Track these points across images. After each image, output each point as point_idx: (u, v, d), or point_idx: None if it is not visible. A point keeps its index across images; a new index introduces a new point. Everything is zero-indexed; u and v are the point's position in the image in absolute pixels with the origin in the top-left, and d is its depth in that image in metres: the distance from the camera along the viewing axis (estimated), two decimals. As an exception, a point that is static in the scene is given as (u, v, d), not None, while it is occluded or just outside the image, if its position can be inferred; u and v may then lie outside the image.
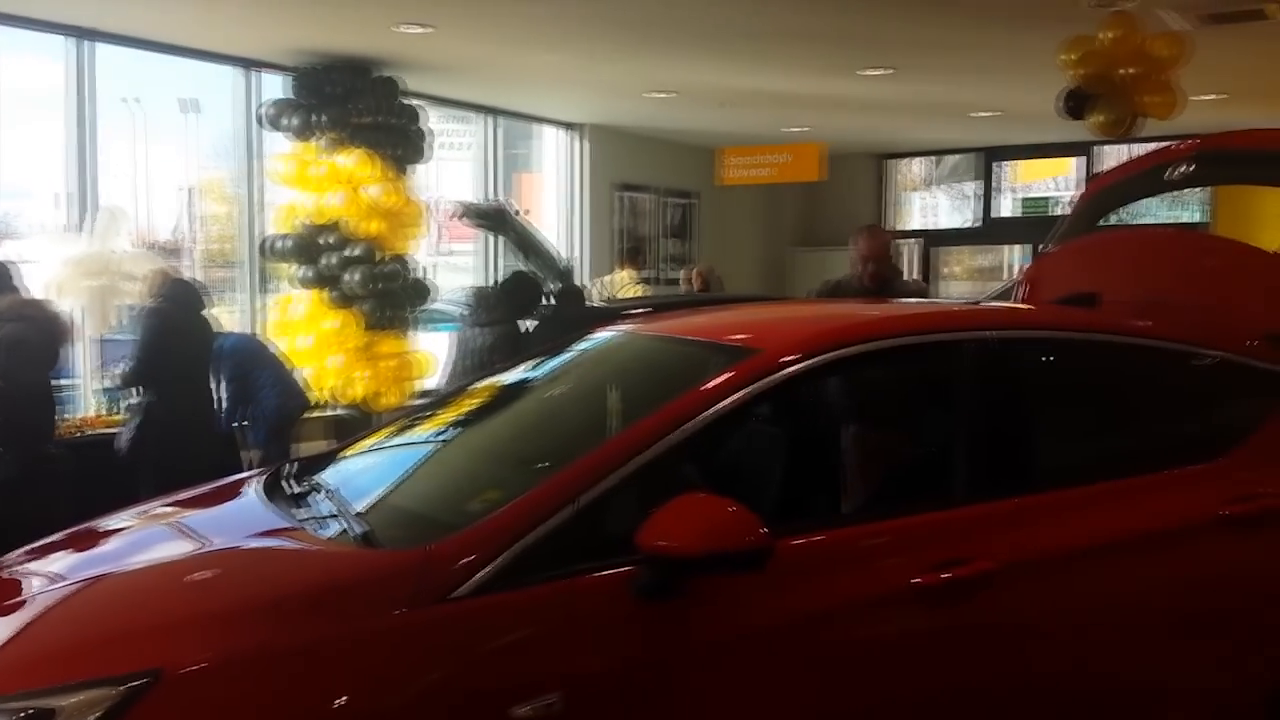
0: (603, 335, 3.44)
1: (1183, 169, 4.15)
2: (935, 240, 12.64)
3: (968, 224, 12.43)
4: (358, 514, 2.61)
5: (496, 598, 2.27)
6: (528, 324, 5.77)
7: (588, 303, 6.14)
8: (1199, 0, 6.02)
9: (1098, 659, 2.77)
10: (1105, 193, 4.49)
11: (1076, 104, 6.43)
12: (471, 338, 5.76)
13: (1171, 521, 2.88)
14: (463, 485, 2.85)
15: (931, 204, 12.84)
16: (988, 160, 12.17)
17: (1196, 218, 10.73)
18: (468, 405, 3.38)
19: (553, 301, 5.94)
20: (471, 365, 5.73)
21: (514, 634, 2.28)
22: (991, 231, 12.29)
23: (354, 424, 8.17)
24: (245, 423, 6.30)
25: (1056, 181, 12.27)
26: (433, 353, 8.48)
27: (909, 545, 2.60)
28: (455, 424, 3.29)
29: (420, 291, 8.35)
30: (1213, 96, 8.15)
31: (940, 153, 12.53)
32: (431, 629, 2.23)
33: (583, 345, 3.44)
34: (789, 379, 2.65)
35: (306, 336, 7.87)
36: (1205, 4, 6.05)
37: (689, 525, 2.29)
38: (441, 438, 3.24)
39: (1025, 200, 12.27)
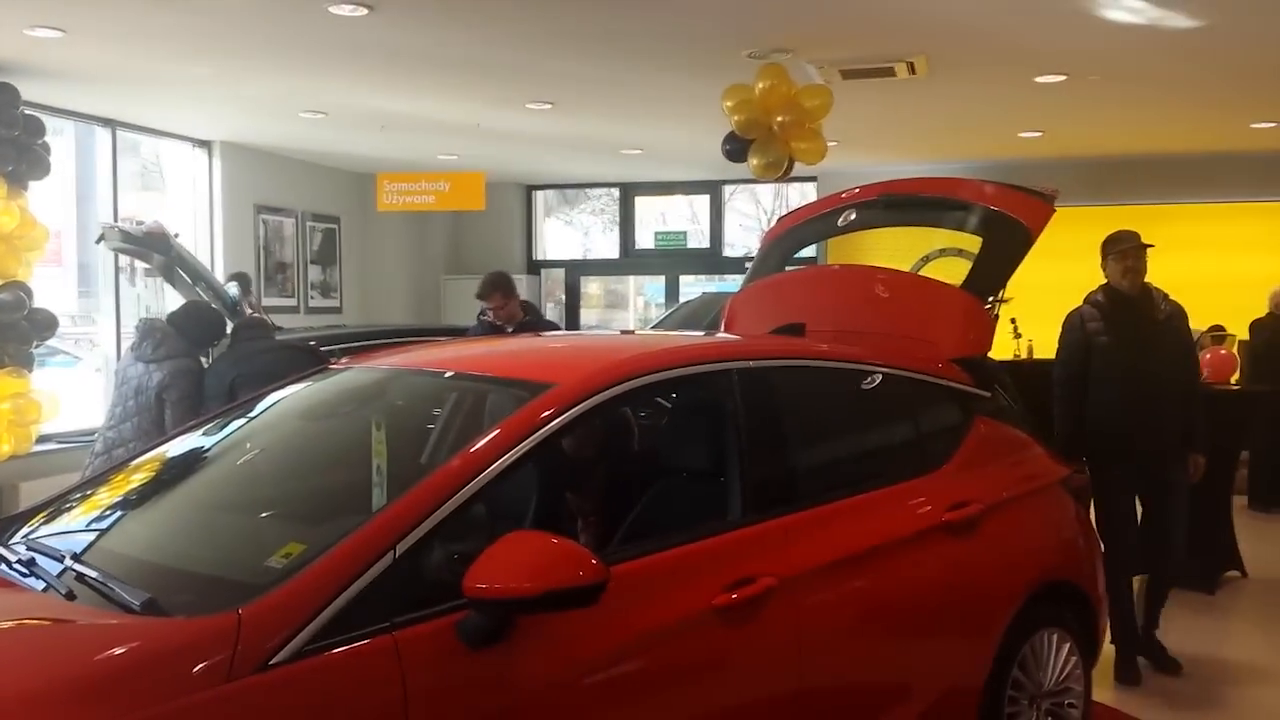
0: (355, 372, 3.26)
1: (852, 215, 4.63)
2: (578, 270, 13.08)
3: (608, 255, 12.98)
4: (123, 580, 2.29)
5: (320, 660, 2.11)
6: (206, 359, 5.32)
7: (275, 335, 5.73)
8: (839, 56, 6.71)
9: (861, 659, 3.02)
10: (787, 235, 4.88)
11: (736, 148, 6.96)
12: (138, 375, 5.21)
13: (908, 529, 3.21)
14: (250, 540, 2.59)
15: (575, 234, 13.27)
16: (626, 194, 12.79)
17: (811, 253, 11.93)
18: (212, 449, 3.07)
19: (232, 333, 5.49)
20: (141, 405, 5.19)
21: (342, 696, 2.12)
22: (631, 262, 12.91)
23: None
24: None
25: (664, 216, 13.08)
26: (57, 393, 7.60)
27: (705, 568, 2.70)
28: (202, 470, 2.98)
29: (43, 323, 7.43)
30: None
31: (584, 186, 12.99)
32: (252, 702, 2.02)
33: (334, 382, 3.24)
34: (590, 410, 2.67)
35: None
36: (845, 60, 6.76)
37: (518, 565, 2.26)
38: (191, 487, 2.92)
39: (659, 234, 13.00)
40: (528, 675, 2.34)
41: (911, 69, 6.88)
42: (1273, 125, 8.88)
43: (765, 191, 12.41)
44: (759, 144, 6.82)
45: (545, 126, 9.14)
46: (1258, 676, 5.12)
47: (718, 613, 2.66)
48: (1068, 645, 3.68)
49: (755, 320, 4.48)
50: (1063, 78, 7.23)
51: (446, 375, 3.10)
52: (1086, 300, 4.94)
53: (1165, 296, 4.94)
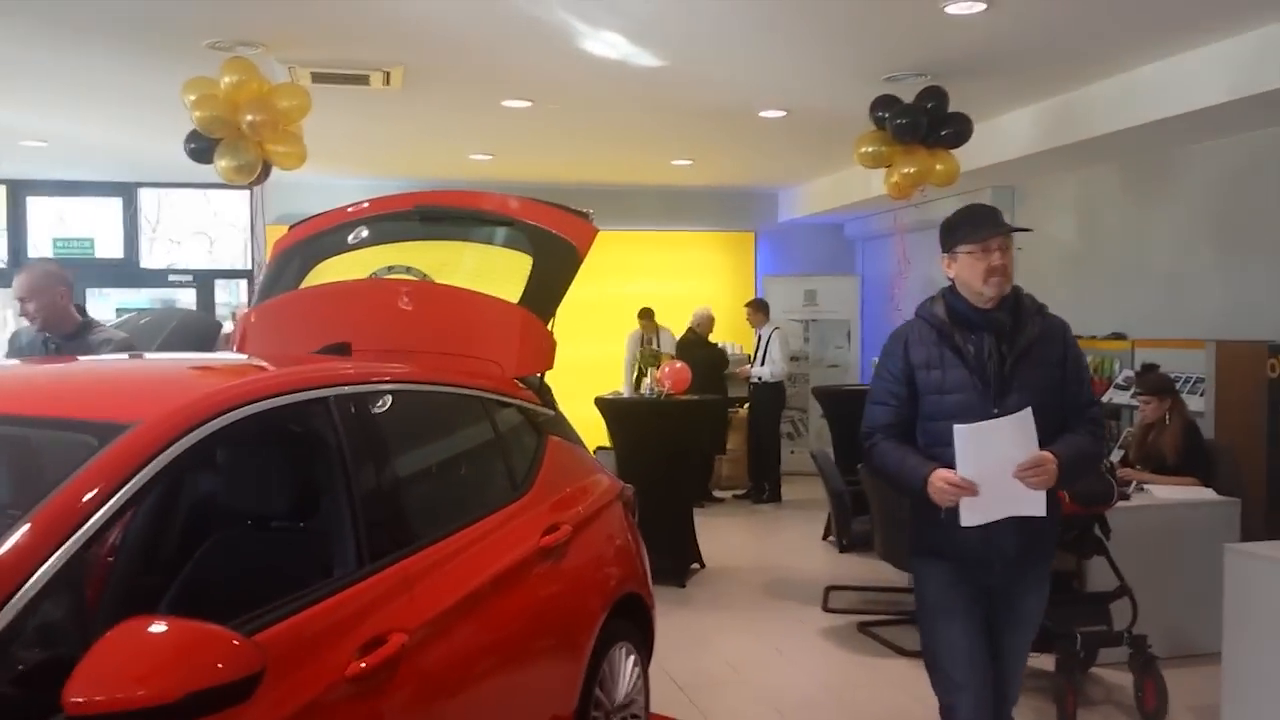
0: None
1: (365, 232, 4.32)
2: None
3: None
4: None
5: None
6: None
7: None
8: (314, 57, 6.27)
9: (485, 701, 2.78)
10: (303, 246, 4.41)
11: (201, 147, 6.22)
12: None
13: (514, 559, 3.01)
14: None
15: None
16: (15, 194, 10.91)
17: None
18: None
19: None
20: None
21: None
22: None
23: None
24: None
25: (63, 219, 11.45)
26: None
27: (333, 632, 2.28)
28: None
29: None
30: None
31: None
32: None
33: None
34: (186, 453, 2.12)
35: None
36: (318, 61, 6.33)
37: (138, 664, 1.74)
38: None
39: (58, 240, 11.27)
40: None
41: (387, 79, 6.65)
42: (688, 163, 9.99)
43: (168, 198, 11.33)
44: (228, 144, 6.14)
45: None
46: (741, 653, 5.65)
47: (354, 682, 2.26)
48: (633, 657, 3.73)
49: (279, 340, 4.00)
50: (528, 104, 7.46)
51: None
52: (918, 313, 3.28)
53: (1040, 308, 3.25)
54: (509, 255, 4.07)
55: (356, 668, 2.27)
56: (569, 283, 3.95)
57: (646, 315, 10.04)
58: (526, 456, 3.44)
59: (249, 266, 11.52)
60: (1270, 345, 6.35)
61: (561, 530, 3.26)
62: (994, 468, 3.00)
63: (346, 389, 2.69)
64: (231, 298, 11.85)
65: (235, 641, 1.84)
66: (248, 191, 10.56)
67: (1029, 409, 3.00)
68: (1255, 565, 4.35)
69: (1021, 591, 3.24)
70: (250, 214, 11.26)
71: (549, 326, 3.87)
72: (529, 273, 3.94)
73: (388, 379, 2.98)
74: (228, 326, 8.18)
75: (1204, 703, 4.63)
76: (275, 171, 6.49)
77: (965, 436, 3.01)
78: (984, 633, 3.19)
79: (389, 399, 2.88)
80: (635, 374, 8.92)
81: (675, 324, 10.33)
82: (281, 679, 2.08)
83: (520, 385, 3.66)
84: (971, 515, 3.04)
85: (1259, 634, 4.31)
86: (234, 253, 11.55)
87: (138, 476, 2.01)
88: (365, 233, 4.35)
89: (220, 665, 1.80)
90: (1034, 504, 3.05)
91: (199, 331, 8.91)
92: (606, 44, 6.08)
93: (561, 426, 3.80)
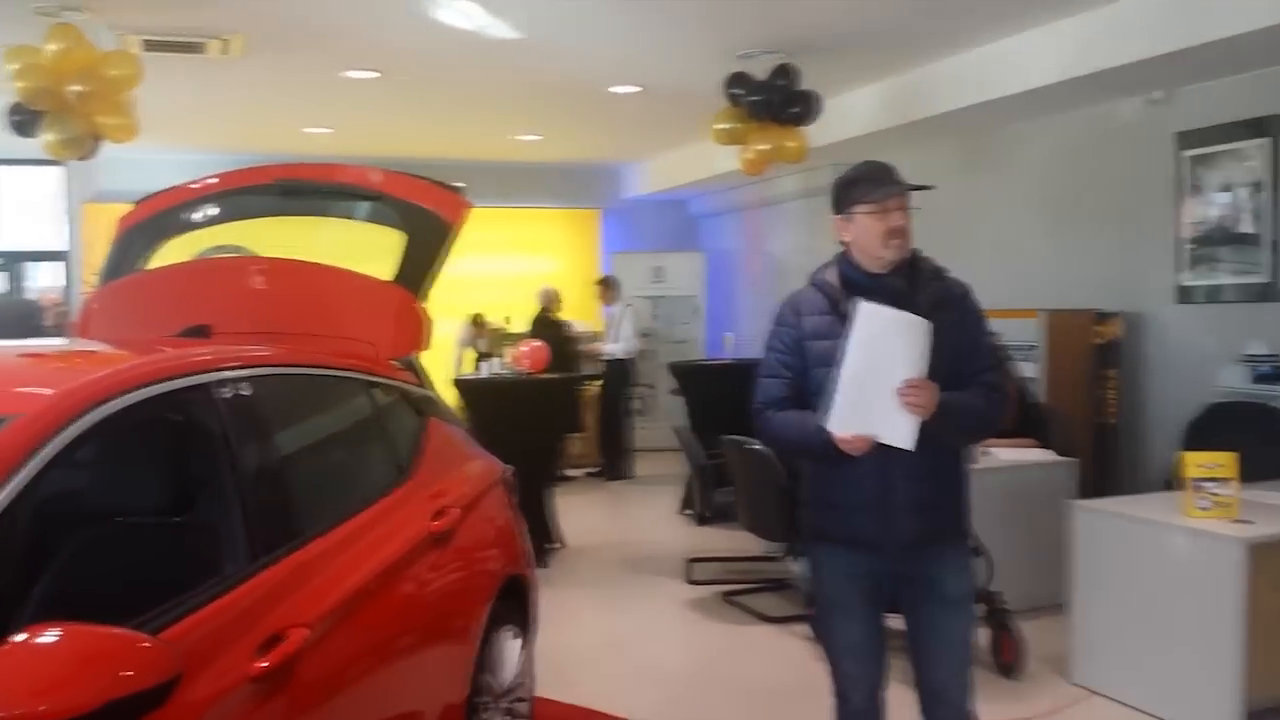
0: None
1: (219, 207, 4.12)
2: None
3: None
4: None
5: None
6: None
7: None
8: (145, 23, 5.91)
9: (386, 693, 2.71)
10: (142, 226, 4.14)
11: (25, 120, 5.78)
12: None
13: (406, 547, 2.93)
14: None
15: None
16: None
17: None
18: None
19: None
20: None
21: None
22: None
23: None
24: None
25: None
26: None
27: (231, 630, 2.16)
28: None
29: None
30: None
31: None
32: None
33: None
34: (72, 445, 1.97)
35: None
36: (151, 28, 5.97)
37: (41, 675, 1.61)
38: None
39: None
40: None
41: (225, 48, 6.33)
42: (537, 138, 9.88)
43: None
44: (54, 117, 5.73)
45: None
46: (610, 629, 5.68)
47: (257, 682, 2.15)
48: (518, 640, 3.68)
49: (129, 323, 3.76)
50: (376, 74, 7.23)
51: None
52: (812, 281, 3.05)
53: (938, 271, 3.08)
54: (378, 231, 3.93)
55: (259, 666, 2.16)
56: (442, 260, 3.84)
57: (479, 322, 9.94)
58: (409, 440, 3.35)
59: (64, 247, 10.86)
60: (1097, 313, 6.77)
61: (449, 515, 3.19)
62: (878, 369, 2.75)
63: (232, 373, 2.55)
64: (45, 281, 11.15)
65: (145, 644, 1.73)
66: (60, 168, 9.92)
67: (930, 324, 2.79)
68: (1099, 520, 4.64)
69: (939, 572, 2.96)
70: (66, 191, 10.62)
71: (422, 305, 3.76)
72: (400, 250, 3.82)
73: (271, 362, 2.84)
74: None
75: (1053, 652, 4.90)
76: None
77: (864, 315, 2.76)
78: (880, 621, 3.01)
79: (273, 383, 2.75)
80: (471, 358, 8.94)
81: (520, 302, 10.21)
82: (186, 682, 1.96)
83: (396, 366, 3.56)
84: (840, 423, 2.76)
85: (1103, 584, 4.60)
86: (45, 232, 10.86)
87: (20, 473, 1.86)
88: (220, 208, 4.14)
89: (130, 672, 1.69)
90: (899, 432, 2.76)
91: (20, 316, 8.34)
92: (458, 13, 5.94)
93: (440, 408, 3.71)
